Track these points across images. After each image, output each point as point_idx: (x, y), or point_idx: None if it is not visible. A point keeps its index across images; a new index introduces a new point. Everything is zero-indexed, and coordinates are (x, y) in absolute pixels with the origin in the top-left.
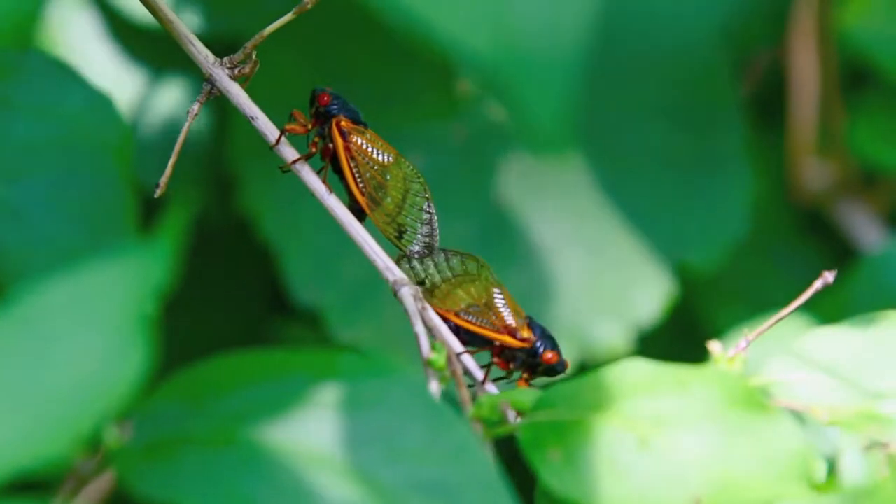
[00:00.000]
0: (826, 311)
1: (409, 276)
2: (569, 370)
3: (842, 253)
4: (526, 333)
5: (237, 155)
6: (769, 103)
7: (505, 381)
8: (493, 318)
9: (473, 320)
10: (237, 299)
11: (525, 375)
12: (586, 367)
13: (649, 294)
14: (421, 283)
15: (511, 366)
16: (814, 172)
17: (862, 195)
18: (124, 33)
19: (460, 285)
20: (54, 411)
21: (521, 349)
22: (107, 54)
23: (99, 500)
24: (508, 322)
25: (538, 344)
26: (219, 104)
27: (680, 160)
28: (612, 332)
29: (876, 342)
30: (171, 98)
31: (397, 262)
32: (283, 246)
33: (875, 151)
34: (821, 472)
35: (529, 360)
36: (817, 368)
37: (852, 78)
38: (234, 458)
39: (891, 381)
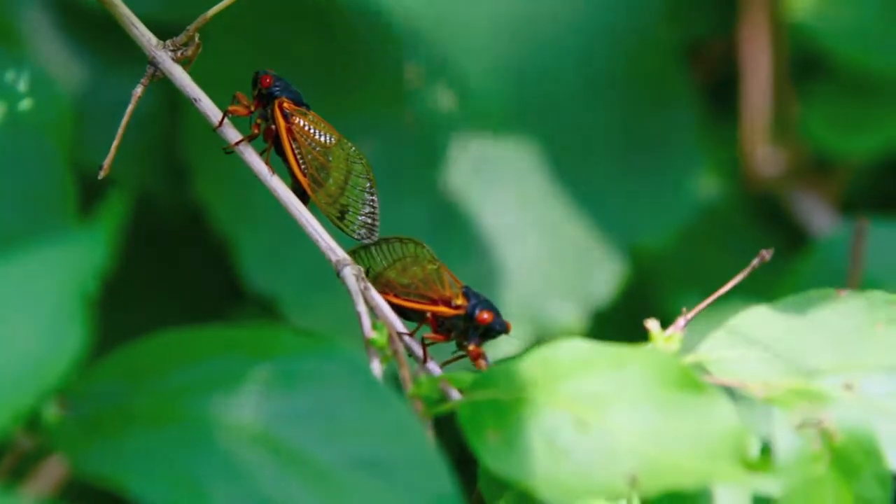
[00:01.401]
0: (777, 295)
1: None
2: (512, 332)
3: (794, 239)
4: (460, 300)
5: (190, 143)
6: (722, 91)
7: (461, 359)
8: (430, 293)
9: (409, 297)
10: (192, 286)
11: (470, 346)
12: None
13: (602, 275)
14: (366, 271)
15: (451, 335)
16: (767, 159)
17: (814, 182)
18: (75, 18)
19: (399, 267)
20: None
21: (457, 317)
22: (57, 39)
23: (53, 485)
24: (443, 294)
25: (471, 306)
26: (172, 92)
27: (630, 143)
28: (566, 313)
29: (812, 320)
30: (122, 83)
31: (350, 255)
32: (237, 233)
33: (827, 139)
34: (755, 449)
35: (467, 326)
36: (753, 345)
37: (804, 65)
38: (174, 435)
39: (826, 358)
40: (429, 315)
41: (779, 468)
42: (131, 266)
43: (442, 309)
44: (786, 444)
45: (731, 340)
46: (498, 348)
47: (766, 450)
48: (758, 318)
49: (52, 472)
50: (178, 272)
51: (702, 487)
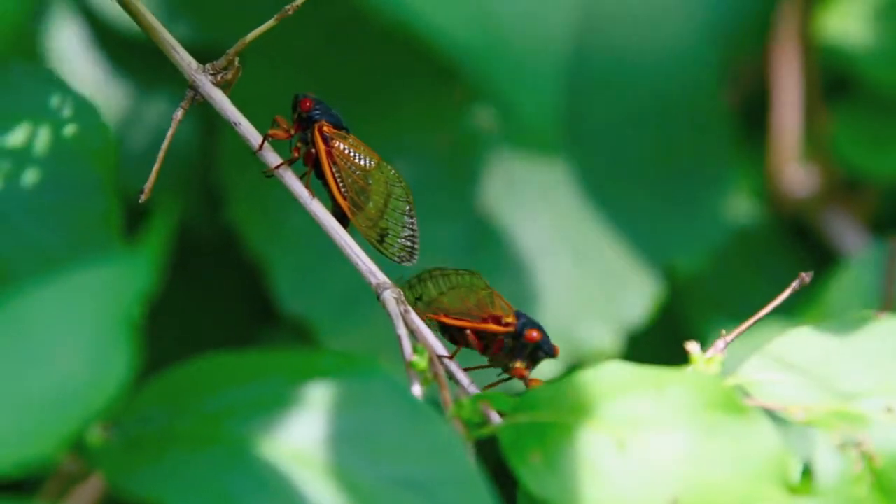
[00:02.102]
0: (809, 316)
1: (406, 295)
2: (558, 355)
3: (825, 259)
4: (510, 318)
5: (225, 166)
6: (753, 111)
7: (505, 382)
8: (482, 314)
9: (460, 317)
10: (226, 309)
11: (515, 364)
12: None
13: (636, 297)
14: (418, 298)
15: (499, 356)
16: (797, 179)
17: (845, 202)
18: (113, 43)
19: (453, 295)
20: (39, 413)
21: (505, 334)
22: (96, 64)
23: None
24: (493, 312)
25: (521, 324)
26: (208, 116)
27: (664, 165)
28: (600, 336)
29: (851, 343)
30: (160, 107)
31: (405, 285)
32: (271, 256)
33: (858, 158)
34: (796, 472)
35: (515, 345)
36: (793, 368)
37: (835, 85)
38: (217, 457)
39: (865, 381)
40: (469, 333)
41: (820, 491)
42: (165, 289)
43: (491, 326)
44: (827, 466)
45: (771, 363)
46: (536, 372)
47: (806, 473)
48: (797, 342)
49: (89, 491)
50: (212, 295)
51: None
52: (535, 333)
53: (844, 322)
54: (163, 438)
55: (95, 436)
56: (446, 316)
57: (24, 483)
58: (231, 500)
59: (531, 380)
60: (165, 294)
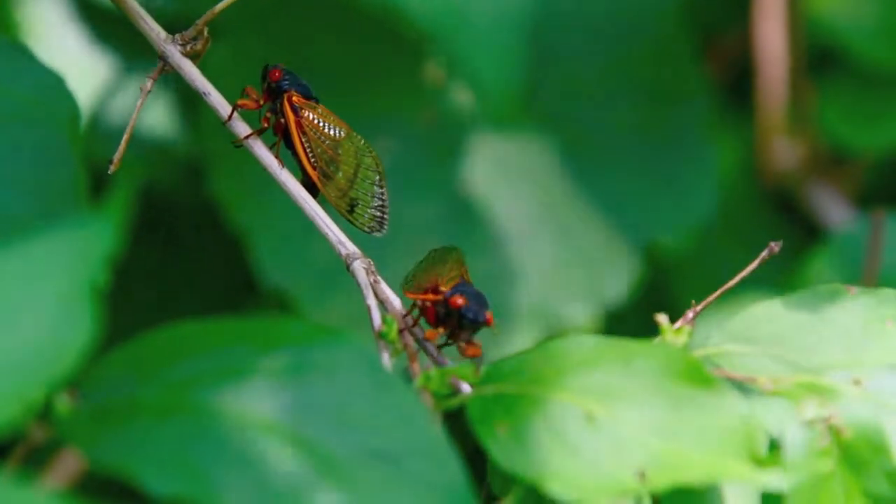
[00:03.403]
0: (792, 289)
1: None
2: (493, 323)
3: (810, 233)
4: (444, 288)
5: (204, 138)
6: (738, 85)
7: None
8: (433, 284)
9: (416, 291)
10: (209, 282)
11: (443, 330)
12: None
13: (617, 275)
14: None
15: (436, 324)
16: (782, 153)
17: (830, 176)
18: (93, 15)
19: (425, 268)
20: (2, 379)
21: (437, 302)
22: (76, 36)
23: (70, 477)
24: (440, 284)
25: (449, 292)
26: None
27: (646, 141)
28: (582, 314)
29: (821, 316)
30: (140, 79)
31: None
32: (252, 229)
33: (843, 132)
34: (764, 445)
35: (445, 312)
36: (762, 340)
37: (820, 58)
38: (183, 425)
39: (834, 354)
40: (419, 304)
41: (788, 464)
42: (145, 261)
43: (429, 296)
44: (794, 438)
45: (740, 335)
46: (510, 344)
47: (774, 445)
48: (767, 313)
49: (69, 464)
50: (192, 267)
51: (711, 483)
52: (459, 300)
53: (815, 295)
54: (129, 407)
55: (63, 404)
56: (411, 290)
57: None
58: (198, 469)
59: (467, 345)
60: (145, 266)
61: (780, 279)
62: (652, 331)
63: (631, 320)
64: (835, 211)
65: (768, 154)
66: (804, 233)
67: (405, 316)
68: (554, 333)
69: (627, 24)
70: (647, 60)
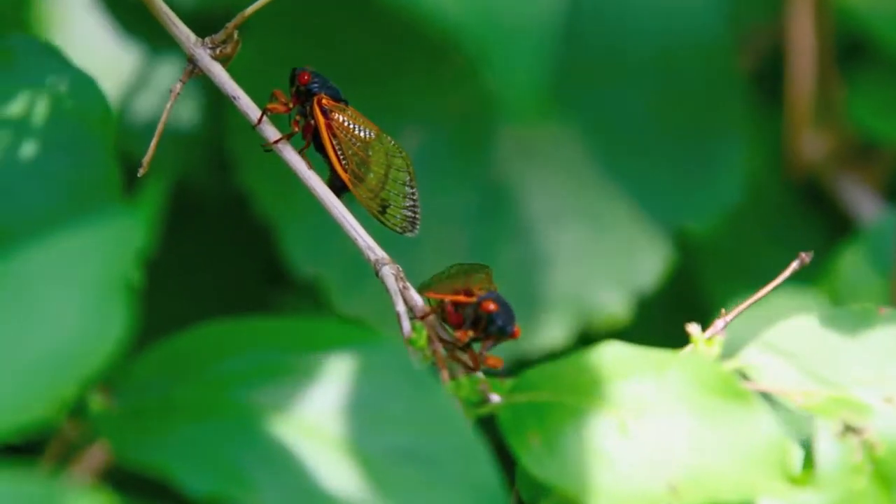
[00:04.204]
0: (821, 285)
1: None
2: (519, 336)
3: (839, 225)
4: (479, 292)
5: (233, 133)
6: (768, 76)
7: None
8: (462, 288)
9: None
10: (238, 274)
11: (471, 332)
12: (587, 337)
13: (648, 262)
14: (426, 284)
15: (464, 326)
16: (811, 144)
17: (859, 167)
18: (119, 8)
19: (450, 276)
20: (36, 375)
21: (468, 305)
22: (103, 29)
23: (95, 471)
24: (471, 288)
25: (482, 296)
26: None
27: (677, 130)
28: (612, 301)
29: (852, 335)
30: (168, 71)
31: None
32: (282, 221)
33: (873, 123)
34: (797, 460)
35: (475, 316)
36: (793, 354)
37: (850, 49)
38: (219, 425)
39: (865, 371)
40: (447, 304)
41: (820, 480)
42: (173, 252)
43: (461, 298)
44: (827, 454)
45: (772, 348)
46: (542, 334)
47: (807, 461)
48: (798, 329)
49: (95, 457)
50: (220, 258)
51: (743, 499)
52: (491, 305)
53: (846, 313)
54: (164, 406)
55: (97, 402)
56: (431, 291)
57: (26, 449)
58: (234, 469)
59: (487, 357)
60: (172, 256)
61: (808, 272)
62: (679, 319)
63: (658, 308)
64: (863, 203)
65: (797, 145)
66: (832, 224)
67: (429, 313)
68: (586, 321)
69: (660, 13)
70: (679, 49)
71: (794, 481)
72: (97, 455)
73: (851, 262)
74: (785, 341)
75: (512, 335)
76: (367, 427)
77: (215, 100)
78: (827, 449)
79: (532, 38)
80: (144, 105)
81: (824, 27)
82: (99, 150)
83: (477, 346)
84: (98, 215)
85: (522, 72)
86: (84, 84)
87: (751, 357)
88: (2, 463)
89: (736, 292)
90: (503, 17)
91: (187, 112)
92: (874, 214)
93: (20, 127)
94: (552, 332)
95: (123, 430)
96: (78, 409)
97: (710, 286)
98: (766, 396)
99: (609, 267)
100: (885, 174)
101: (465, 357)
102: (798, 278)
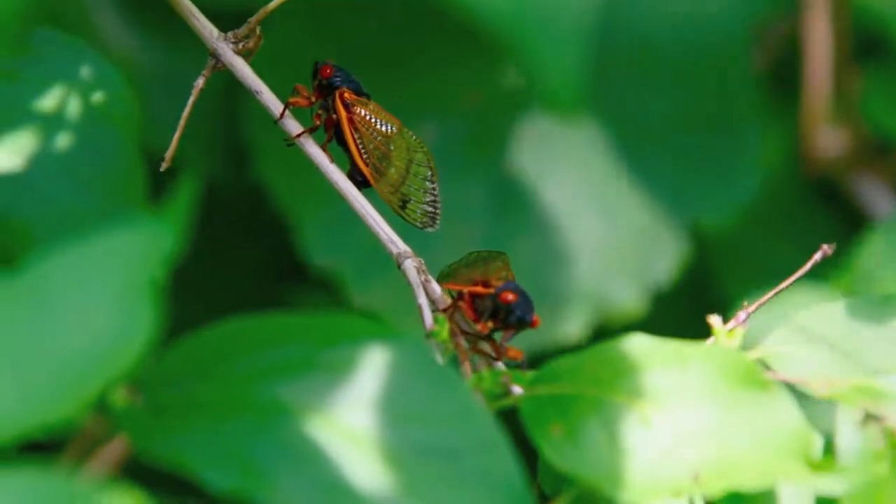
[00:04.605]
0: (839, 281)
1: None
2: (538, 326)
3: (854, 221)
4: (497, 283)
5: (251, 125)
6: (784, 72)
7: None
8: (481, 279)
9: (460, 283)
10: (254, 266)
11: (491, 324)
12: (603, 331)
13: (664, 257)
14: (445, 273)
15: (483, 318)
16: (827, 141)
17: (875, 164)
18: (140, 5)
19: (468, 265)
20: (63, 374)
21: (487, 296)
22: (123, 25)
23: (114, 465)
24: (489, 279)
25: (500, 287)
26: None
27: (693, 124)
28: (628, 295)
29: (875, 321)
30: (191, 65)
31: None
32: (298, 213)
33: (889, 121)
34: (818, 447)
35: (493, 307)
36: (815, 343)
37: (866, 46)
38: (241, 422)
39: (886, 359)
40: (465, 293)
41: (842, 467)
42: (192, 245)
43: (479, 289)
44: (849, 441)
45: (793, 337)
46: (560, 327)
47: (829, 448)
48: (821, 317)
49: (113, 451)
50: (239, 252)
51: (765, 486)
52: (509, 295)
53: (869, 301)
54: (187, 403)
55: (120, 398)
56: (450, 282)
57: (49, 444)
58: (256, 464)
59: (508, 349)
60: (192, 252)
61: (824, 269)
62: (695, 314)
63: (674, 302)
64: (879, 199)
65: (813, 142)
66: (848, 221)
67: (450, 307)
68: (603, 315)
69: (677, 10)
70: (696, 45)
71: (816, 467)
72: (117, 449)
73: (868, 259)
74: (808, 329)
75: (531, 324)
76: (390, 422)
77: (232, 94)
78: (848, 437)
79: (569, 29)
80: (165, 99)
81: (841, 24)
82: (124, 145)
83: (497, 337)
84: (127, 217)
85: (559, 63)
86: (109, 77)
87: (773, 346)
88: (25, 459)
89: (751, 288)
90: (539, 7)
91: (204, 104)
92: (890, 211)
93: (46, 124)
94: (568, 326)
95: (147, 426)
96: (101, 406)
97: (726, 281)
98: (789, 386)
99: (625, 261)
100: None
101: (486, 348)
102: (814, 275)
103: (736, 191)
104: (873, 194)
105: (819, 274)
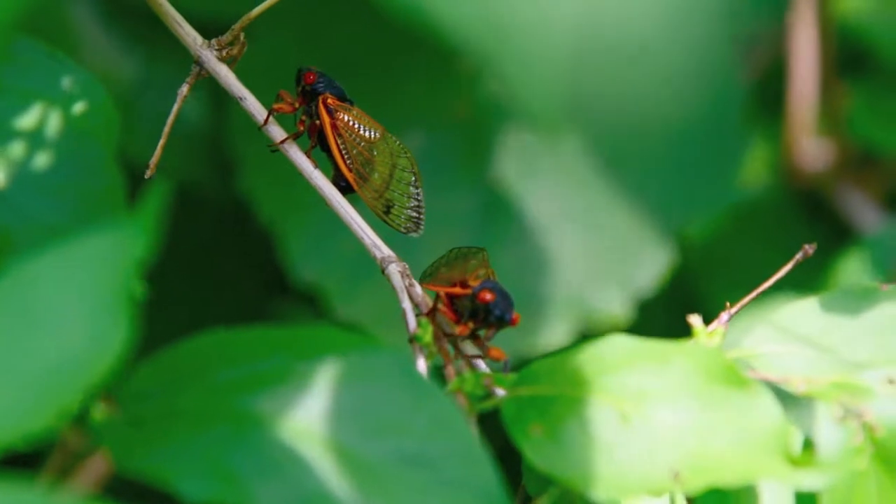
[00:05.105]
0: (820, 291)
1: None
2: (518, 323)
3: (838, 234)
4: (474, 282)
5: (235, 136)
6: (770, 84)
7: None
8: (459, 279)
9: (440, 284)
10: (238, 279)
11: (471, 324)
12: (588, 338)
13: (647, 264)
14: (427, 272)
15: (462, 319)
16: (812, 153)
17: (859, 177)
18: (123, 12)
19: (448, 264)
20: (38, 385)
21: (465, 296)
22: (107, 33)
23: (96, 480)
24: (468, 279)
25: (478, 286)
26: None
27: (677, 134)
28: (612, 303)
29: (854, 314)
30: (172, 73)
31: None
32: (282, 225)
33: (874, 134)
34: (798, 444)
35: (472, 307)
36: (795, 340)
37: (851, 60)
38: (220, 432)
39: (867, 352)
40: (441, 294)
41: (822, 462)
42: (174, 258)
43: (456, 289)
44: (828, 437)
45: (773, 335)
46: (543, 335)
47: (808, 445)
48: (799, 313)
49: (96, 467)
50: (221, 265)
51: (745, 483)
52: (488, 295)
53: (847, 293)
54: (167, 414)
55: (100, 411)
56: (429, 283)
57: (28, 458)
58: (234, 475)
59: (490, 349)
60: (175, 264)
61: (807, 281)
62: (679, 322)
63: (658, 311)
64: (863, 213)
65: (798, 155)
66: (832, 233)
67: (432, 310)
68: (586, 323)
69: (662, 20)
70: (680, 54)
71: (796, 463)
72: (99, 465)
73: (851, 272)
74: (787, 327)
75: (511, 323)
76: (366, 431)
77: (214, 101)
78: (827, 433)
79: (547, 49)
80: (148, 108)
81: (826, 37)
82: (104, 158)
83: (482, 334)
84: (100, 225)
85: (537, 82)
86: (89, 88)
87: (753, 345)
88: (4, 473)
89: (734, 297)
90: (518, 27)
91: (188, 114)
92: (874, 224)
93: (25, 136)
94: (553, 333)
95: (125, 439)
96: (81, 419)
97: (710, 290)
98: (770, 384)
99: (609, 268)
100: (886, 184)
101: (470, 349)
102: (797, 286)
103: (719, 198)
104: (858, 207)
105: (802, 285)
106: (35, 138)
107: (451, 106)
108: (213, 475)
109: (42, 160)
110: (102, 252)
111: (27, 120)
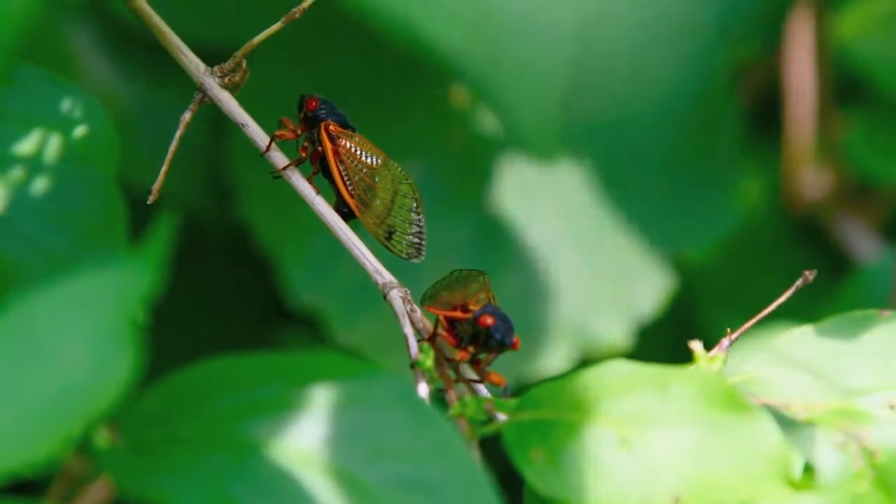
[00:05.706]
0: (819, 319)
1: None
2: (519, 348)
3: (836, 263)
4: (474, 307)
5: (235, 162)
6: (767, 112)
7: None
8: (460, 303)
9: (441, 307)
10: (238, 305)
11: (472, 349)
12: (588, 365)
13: (647, 291)
14: (427, 295)
15: (462, 343)
16: (810, 182)
17: (856, 206)
18: (126, 40)
19: (448, 287)
20: (43, 414)
21: (465, 321)
22: (107, 62)
23: None
24: (468, 303)
25: (479, 311)
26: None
27: (675, 161)
28: (612, 329)
29: (854, 340)
30: (173, 102)
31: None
32: (282, 251)
33: (871, 163)
34: (798, 469)
35: (473, 332)
36: (795, 366)
37: (848, 88)
38: (223, 461)
39: (867, 378)
40: (442, 319)
41: (822, 487)
42: (174, 283)
43: (457, 314)
44: (828, 462)
45: (774, 361)
46: (543, 361)
47: (808, 469)
48: (800, 339)
49: (98, 494)
50: (222, 291)
51: None
52: (488, 319)
53: (849, 320)
54: (168, 441)
55: (103, 438)
56: (429, 306)
57: (32, 485)
58: (236, 502)
59: (490, 374)
60: (176, 289)
61: (806, 309)
62: (678, 350)
63: (657, 338)
64: (861, 242)
65: (796, 183)
66: (829, 262)
67: (432, 335)
68: (587, 350)
69: (660, 48)
70: (679, 82)
71: (796, 487)
72: (100, 491)
73: (849, 302)
74: (788, 352)
75: (512, 346)
76: (366, 456)
77: (214, 128)
78: (827, 457)
79: (543, 79)
80: (149, 136)
81: (823, 66)
82: (104, 185)
83: (483, 357)
84: (106, 256)
85: (533, 112)
86: (91, 114)
87: (754, 370)
88: (9, 499)
89: (733, 324)
90: (514, 57)
91: (189, 141)
92: (872, 254)
93: (26, 161)
94: (553, 358)
95: (127, 466)
96: (84, 446)
97: (709, 318)
98: (770, 409)
99: (608, 295)
100: (884, 214)
101: (470, 373)
102: (795, 314)
103: (718, 224)
104: (855, 236)
105: (801, 315)
106: (35, 163)
107: (446, 136)
108: (213, 501)
109: (42, 185)
110: (109, 285)
111: (27, 145)
